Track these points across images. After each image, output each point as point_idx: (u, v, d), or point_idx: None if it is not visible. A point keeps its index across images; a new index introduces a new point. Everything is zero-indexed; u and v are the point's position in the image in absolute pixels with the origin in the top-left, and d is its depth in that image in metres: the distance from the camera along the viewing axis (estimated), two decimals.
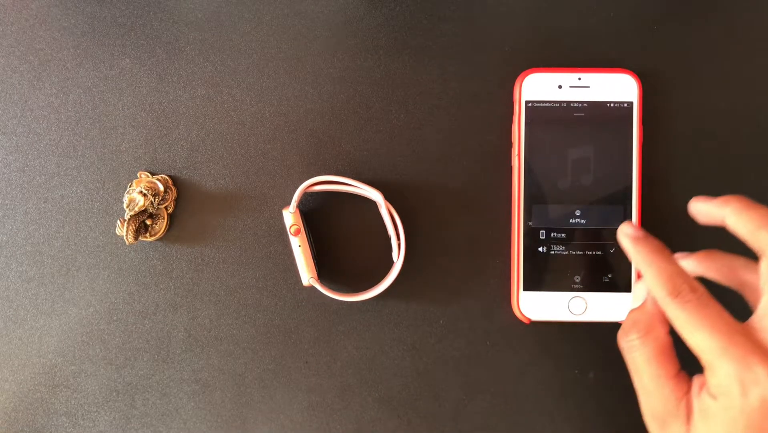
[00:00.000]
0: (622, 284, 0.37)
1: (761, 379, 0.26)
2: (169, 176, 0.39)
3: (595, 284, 0.37)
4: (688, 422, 0.28)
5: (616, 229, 0.37)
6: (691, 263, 0.33)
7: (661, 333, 0.30)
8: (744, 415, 0.26)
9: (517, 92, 0.38)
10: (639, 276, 0.36)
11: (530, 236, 0.37)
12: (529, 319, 0.38)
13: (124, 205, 0.38)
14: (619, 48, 0.39)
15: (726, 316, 0.28)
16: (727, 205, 0.30)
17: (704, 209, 0.31)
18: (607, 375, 0.39)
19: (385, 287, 0.38)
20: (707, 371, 0.28)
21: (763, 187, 0.39)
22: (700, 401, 0.28)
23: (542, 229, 0.37)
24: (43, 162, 0.40)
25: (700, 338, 0.27)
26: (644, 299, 0.31)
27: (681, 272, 0.29)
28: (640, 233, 0.31)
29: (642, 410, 0.30)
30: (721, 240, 0.39)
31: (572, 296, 0.37)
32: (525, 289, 0.37)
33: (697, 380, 0.29)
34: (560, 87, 0.38)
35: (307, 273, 0.37)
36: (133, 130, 0.40)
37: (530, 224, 0.37)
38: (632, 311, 0.31)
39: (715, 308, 0.28)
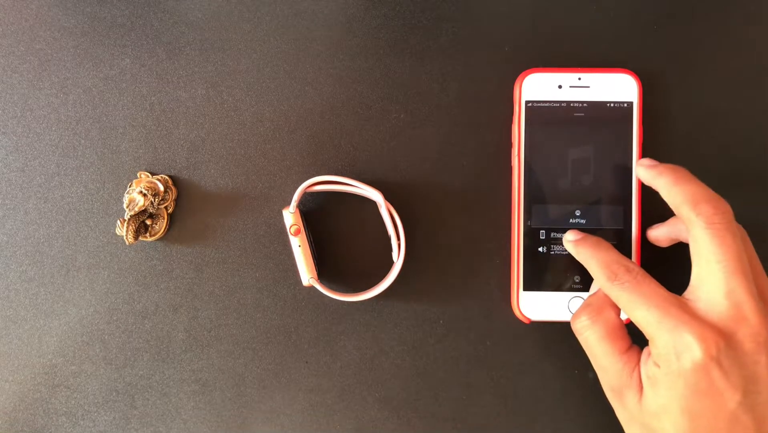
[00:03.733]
0: None
1: (691, 345, 0.28)
2: (169, 176, 0.39)
3: (595, 284, 0.37)
4: (640, 391, 0.31)
5: (617, 229, 0.37)
6: (664, 229, 0.36)
7: (611, 314, 0.32)
8: (681, 378, 0.29)
9: (517, 92, 0.38)
10: None
11: (530, 236, 0.37)
12: (529, 319, 0.38)
13: (124, 206, 0.38)
14: (619, 48, 0.39)
15: (661, 291, 0.30)
16: (661, 176, 0.33)
17: (645, 177, 0.34)
18: None
19: (385, 287, 0.38)
20: (650, 343, 0.30)
21: (762, 187, 0.39)
22: (647, 370, 0.30)
23: (542, 229, 0.37)
24: (43, 162, 0.40)
25: (639, 314, 0.30)
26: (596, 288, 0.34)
27: (617, 258, 0.32)
28: (580, 235, 0.35)
29: (602, 384, 0.33)
30: None
31: (572, 296, 0.37)
32: (525, 289, 0.37)
33: (645, 352, 0.32)
34: (560, 87, 0.38)
35: (307, 273, 0.37)
36: (133, 130, 0.40)
37: (530, 223, 0.37)
38: (586, 298, 0.34)
39: (651, 285, 0.31)
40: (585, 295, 0.37)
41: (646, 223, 0.38)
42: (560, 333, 0.39)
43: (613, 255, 0.33)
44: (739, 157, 0.39)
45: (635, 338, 0.32)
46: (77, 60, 0.40)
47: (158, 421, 0.40)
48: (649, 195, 0.39)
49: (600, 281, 0.32)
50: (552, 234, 0.37)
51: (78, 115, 0.40)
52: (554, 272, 0.37)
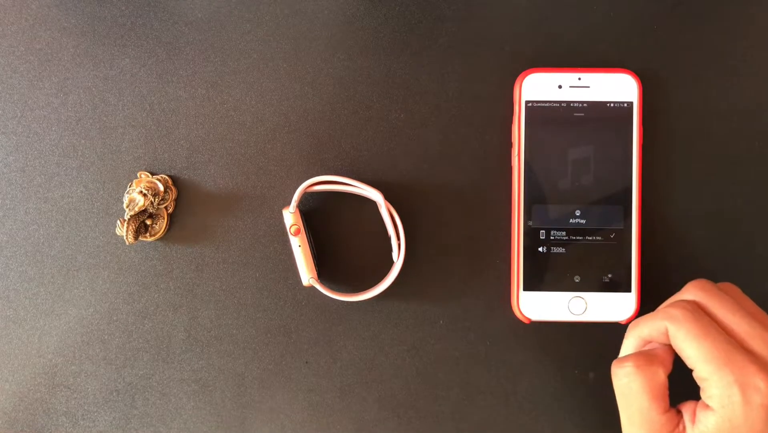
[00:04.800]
0: (622, 284, 0.37)
1: (761, 387, 0.27)
2: (169, 176, 0.39)
3: (595, 284, 0.37)
4: None
5: (617, 229, 0.37)
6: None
7: (660, 370, 0.30)
8: (747, 423, 0.27)
9: (517, 92, 0.38)
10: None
11: (530, 236, 0.37)
12: (529, 319, 0.38)
13: (124, 206, 0.38)
14: (619, 48, 0.39)
15: (717, 328, 0.29)
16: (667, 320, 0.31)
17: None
18: (607, 375, 0.39)
19: (385, 287, 0.38)
20: (706, 384, 0.28)
21: (762, 187, 0.39)
22: (697, 421, 0.28)
23: (542, 229, 0.37)
24: (43, 162, 0.40)
25: (699, 350, 0.28)
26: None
27: (679, 302, 0.30)
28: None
29: None
30: (722, 236, 0.39)
31: (572, 296, 0.37)
32: (525, 289, 0.37)
33: (689, 406, 0.30)
34: (560, 87, 0.38)
35: (307, 273, 0.37)
36: (133, 130, 0.40)
37: (530, 223, 0.37)
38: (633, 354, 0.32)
39: (711, 322, 0.29)
40: (585, 295, 0.37)
41: (646, 223, 0.38)
42: (560, 333, 0.39)
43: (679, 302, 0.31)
44: (738, 157, 0.39)
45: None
46: (77, 60, 0.40)
47: (158, 421, 0.40)
48: (649, 195, 0.39)
49: (661, 317, 0.30)
50: (552, 234, 0.37)
51: (78, 115, 0.40)
52: (554, 272, 0.37)
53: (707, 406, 0.28)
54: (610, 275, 0.37)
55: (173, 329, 0.40)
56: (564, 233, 0.37)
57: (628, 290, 0.37)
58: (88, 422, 0.40)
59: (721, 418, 0.27)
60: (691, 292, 0.31)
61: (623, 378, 0.31)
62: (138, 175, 0.39)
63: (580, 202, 0.37)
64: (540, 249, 0.37)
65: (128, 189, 0.39)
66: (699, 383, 0.29)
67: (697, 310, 0.30)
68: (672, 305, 0.31)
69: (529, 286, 0.37)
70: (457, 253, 0.39)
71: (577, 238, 0.37)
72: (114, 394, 0.40)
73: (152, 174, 0.39)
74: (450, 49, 0.39)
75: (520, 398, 0.39)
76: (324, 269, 0.40)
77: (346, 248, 0.40)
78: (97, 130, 0.40)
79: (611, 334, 0.39)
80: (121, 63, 0.40)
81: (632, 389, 0.30)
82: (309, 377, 0.40)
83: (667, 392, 0.30)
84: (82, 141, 0.40)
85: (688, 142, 0.39)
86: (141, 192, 0.38)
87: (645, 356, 0.31)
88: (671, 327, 0.30)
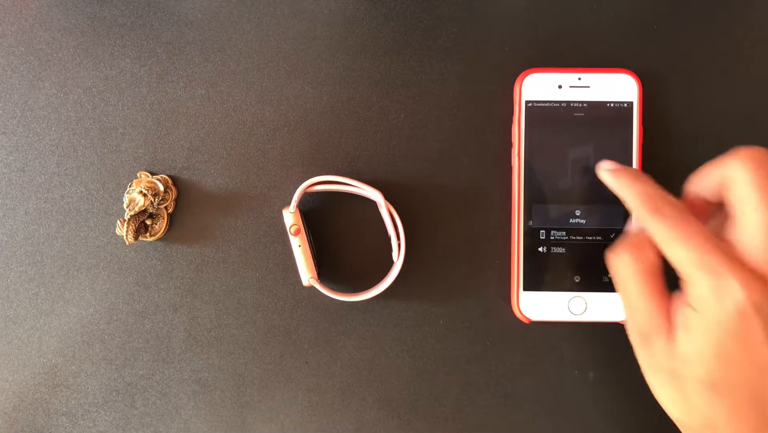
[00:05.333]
0: None
1: (734, 289, 0.27)
2: (169, 176, 0.39)
3: (595, 284, 0.37)
4: (670, 336, 0.29)
5: (617, 229, 0.37)
6: (705, 179, 0.33)
7: (651, 254, 0.31)
8: (721, 324, 0.27)
9: (517, 92, 0.38)
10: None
11: (530, 235, 0.37)
12: (529, 319, 0.38)
13: (124, 206, 0.38)
14: (619, 48, 0.39)
15: (704, 230, 0.28)
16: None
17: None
18: (607, 375, 0.39)
19: (385, 287, 0.38)
20: (686, 284, 0.29)
21: None
22: (681, 315, 0.29)
23: (542, 229, 0.37)
24: (43, 162, 0.40)
25: (678, 251, 0.28)
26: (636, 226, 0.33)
27: (659, 191, 0.31)
28: (618, 165, 0.34)
29: (627, 327, 0.31)
30: None
31: (572, 296, 0.37)
32: (525, 289, 0.37)
33: (677, 296, 0.30)
34: (560, 87, 0.38)
35: (307, 273, 0.37)
36: (133, 130, 0.40)
37: (530, 223, 0.37)
38: (626, 235, 0.32)
39: (694, 223, 0.29)
40: (585, 295, 0.37)
41: None
42: (560, 333, 0.39)
43: (654, 187, 0.31)
44: None
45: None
46: (77, 60, 0.40)
47: (158, 421, 0.40)
48: None
49: (639, 212, 0.30)
50: (552, 234, 0.37)
51: (78, 115, 0.40)
52: (554, 271, 0.37)
53: (690, 304, 0.29)
54: (610, 275, 0.37)
55: (173, 329, 0.40)
56: (564, 233, 0.37)
57: None
58: (88, 422, 0.40)
59: (704, 319, 0.28)
60: (738, 157, 0.30)
61: (619, 269, 0.31)
62: (138, 175, 0.39)
63: (580, 203, 0.37)
64: (540, 249, 0.37)
65: (128, 189, 0.39)
66: (682, 283, 0.29)
67: (678, 206, 0.30)
68: (653, 201, 0.30)
69: (529, 286, 0.37)
70: (457, 253, 0.39)
71: (577, 238, 0.37)
72: (114, 394, 0.40)
73: (152, 174, 0.39)
74: (450, 49, 0.39)
75: (520, 398, 0.39)
76: (324, 269, 0.40)
77: (346, 248, 0.40)
78: (97, 130, 0.40)
79: (611, 334, 0.39)
80: (121, 63, 0.40)
81: (629, 276, 0.31)
82: (309, 377, 0.40)
83: (661, 273, 0.30)
84: (82, 141, 0.40)
85: (688, 142, 0.39)
86: (141, 192, 0.38)
87: (635, 242, 0.31)
88: (652, 225, 0.30)
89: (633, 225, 0.34)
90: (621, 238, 0.32)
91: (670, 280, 0.30)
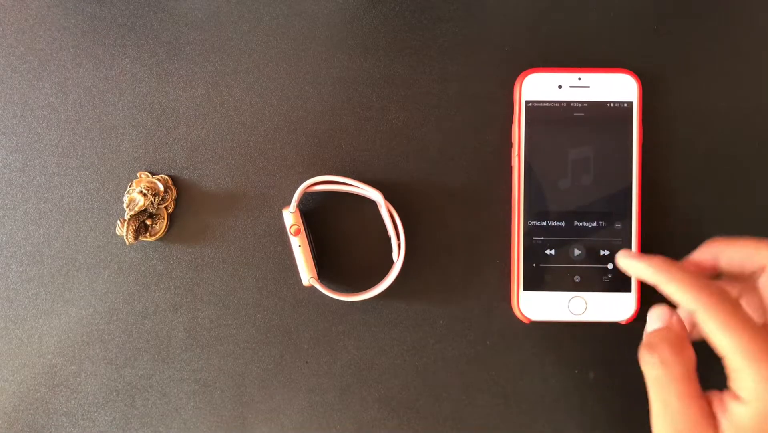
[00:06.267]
0: (622, 284, 0.37)
1: None
2: (169, 176, 0.39)
3: (595, 284, 0.37)
4: None
5: (616, 228, 0.37)
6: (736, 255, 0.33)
7: (691, 353, 0.30)
8: None
9: (517, 92, 0.38)
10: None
11: (530, 235, 0.37)
12: (529, 319, 0.38)
13: (124, 206, 0.38)
14: (619, 48, 0.39)
15: (751, 318, 0.28)
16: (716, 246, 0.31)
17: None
18: (607, 375, 0.39)
19: (385, 287, 0.38)
20: (735, 375, 0.28)
21: (762, 187, 0.39)
22: (728, 411, 0.28)
23: (542, 229, 0.37)
24: (43, 162, 0.40)
25: (729, 340, 0.27)
26: (664, 318, 0.31)
27: (702, 275, 0.30)
28: (638, 252, 0.32)
29: (659, 427, 0.30)
30: (722, 236, 0.39)
31: (572, 296, 0.37)
32: (525, 289, 0.37)
33: (716, 394, 0.29)
34: (560, 87, 0.38)
35: (307, 273, 0.37)
36: (133, 130, 0.40)
37: (530, 223, 0.37)
38: (657, 330, 0.31)
39: (742, 310, 0.28)
40: (585, 295, 0.37)
41: (646, 223, 0.38)
42: (560, 333, 0.39)
43: (695, 273, 0.30)
44: (739, 157, 0.39)
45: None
46: (77, 60, 0.40)
47: (158, 421, 0.40)
48: (649, 195, 0.39)
49: (688, 298, 0.29)
50: (552, 234, 0.37)
51: (78, 115, 0.40)
52: (554, 271, 0.37)
53: (737, 397, 0.28)
54: (610, 275, 0.37)
55: (173, 329, 0.40)
56: (564, 232, 0.37)
57: (628, 290, 0.37)
58: (88, 422, 0.40)
59: (756, 410, 0.27)
60: None
61: (657, 370, 0.30)
62: (138, 175, 0.39)
63: (580, 203, 0.37)
64: (540, 249, 0.37)
65: (128, 189, 0.39)
66: (729, 373, 0.28)
67: (728, 295, 0.29)
68: (703, 289, 0.29)
69: (529, 286, 0.37)
70: (457, 253, 0.39)
71: (578, 238, 0.37)
72: (114, 394, 0.40)
73: (152, 174, 0.39)
74: (450, 49, 0.39)
75: (520, 398, 0.39)
76: (324, 269, 0.40)
77: (346, 248, 0.40)
78: (97, 130, 0.40)
79: (611, 334, 0.39)
80: (121, 63, 0.40)
81: (668, 378, 0.29)
82: (309, 377, 0.40)
83: (696, 372, 0.30)
84: (82, 141, 0.40)
85: (688, 142, 0.39)
86: (141, 192, 0.38)
87: (675, 340, 0.30)
88: (701, 314, 0.29)
89: (658, 314, 0.32)
90: (651, 330, 0.31)
91: None
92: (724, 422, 0.28)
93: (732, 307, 0.28)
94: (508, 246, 0.39)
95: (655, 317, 0.32)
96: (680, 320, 0.31)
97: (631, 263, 0.33)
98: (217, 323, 0.40)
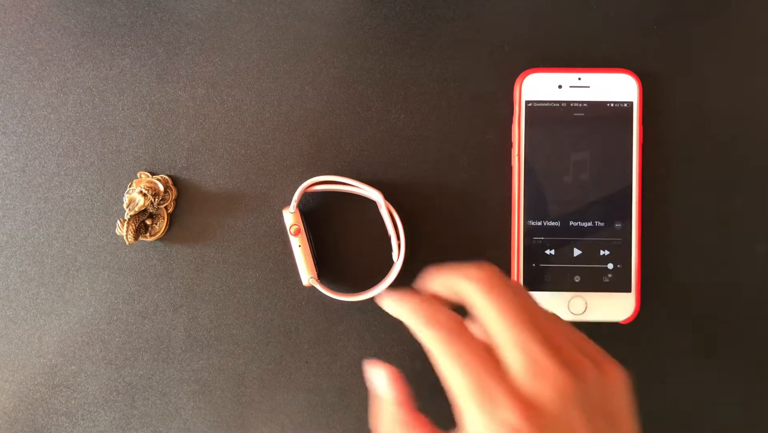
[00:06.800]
0: (622, 284, 0.37)
1: (508, 417, 0.25)
2: (169, 176, 0.39)
3: (595, 284, 0.37)
4: None
5: (616, 228, 0.37)
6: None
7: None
8: None
9: (517, 92, 0.38)
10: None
11: (530, 235, 0.37)
12: None
13: (124, 206, 0.38)
14: (619, 48, 0.39)
15: (482, 351, 0.26)
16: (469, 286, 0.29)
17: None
18: None
19: (385, 287, 0.38)
20: (462, 414, 0.26)
21: (762, 187, 0.39)
22: None
23: (542, 229, 0.37)
24: (43, 162, 0.40)
25: (456, 379, 0.26)
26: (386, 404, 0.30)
27: (438, 302, 0.29)
28: (395, 295, 0.30)
29: None
30: (722, 236, 0.39)
31: (572, 296, 0.37)
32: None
33: None
34: (560, 87, 0.38)
35: (307, 273, 0.37)
36: (133, 130, 0.40)
37: (530, 223, 0.37)
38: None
39: (473, 343, 0.27)
40: (585, 295, 0.37)
41: (646, 223, 0.38)
42: None
43: (432, 300, 0.29)
44: (739, 157, 0.39)
45: None
46: (77, 60, 0.40)
47: (158, 421, 0.40)
48: (649, 195, 0.39)
49: (415, 322, 0.29)
50: (552, 234, 0.37)
51: (78, 115, 0.40)
52: (554, 271, 0.37)
53: None
54: (610, 275, 0.37)
55: (173, 329, 0.40)
56: (564, 232, 0.37)
57: (628, 290, 0.37)
58: (88, 422, 0.40)
59: None
60: (471, 279, 0.29)
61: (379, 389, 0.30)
62: (138, 175, 0.39)
63: (580, 203, 0.37)
64: (540, 249, 0.37)
65: (128, 189, 0.39)
66: (456, 412, 0.27)
67: (459, 327, 0.28)
68: (435, 316, 0.28)
69: (529, 286, 0.37)
70: (457, 253, 0.39)
71: (577, 238, 0.37)
72: (114, 394, 0.40)
73: (152, 174, 0.39)
74: (450, 49, 0.39)
75: None
76: (324, 269, 0.40)
77: (346, 248, 0.40)
78: (97, 130, 0.40)
79: (611, 334, 0.39)
80: (121, 63, 0.40)
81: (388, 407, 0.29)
82: (309, 377, 0.40)
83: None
84: (82, 141, 0.40)
85: (688, 142, 0.39)
86: (141, 192, 0.38)
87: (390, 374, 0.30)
88: (433, 348, 0.28)
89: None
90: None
91: None
92: None
93: (460, 347, 0.27)
94: (508, 246, 0.39)
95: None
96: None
97: (388, 304, 0.31)
98: (217, 323, 0.40)
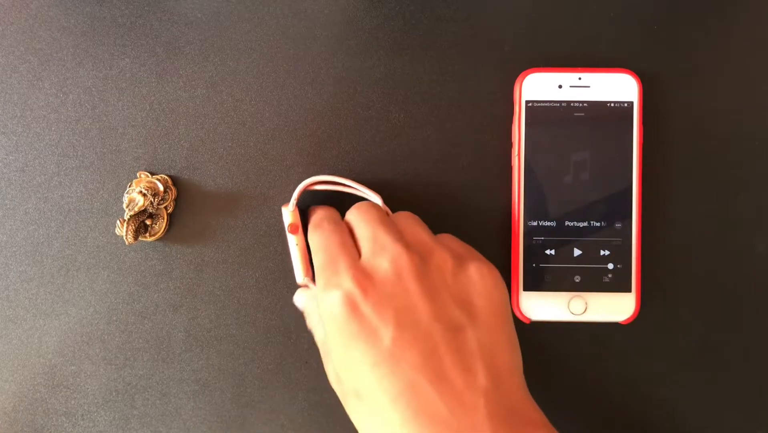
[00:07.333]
0: (622, 284, 0.37)
1: (346, 287, 0.31)
2: (169, 176, 0.39)
3: (595, 284, 0.37)
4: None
5: (616, 228, 0.37)
6: None
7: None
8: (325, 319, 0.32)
9: (517, 92, 0.38)
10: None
11: (530, 235, 0.37)
12: (529, 319, 0.38)
13: (124, 206, 0.38)
14: (619, 48, 0.39)
15: (344, 240, 0.33)
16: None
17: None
18: (608, 374, 0.39)
19: None
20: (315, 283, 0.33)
21: (762, 187, 0.39)
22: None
23: (542, 229, 0.37)
24: (43, 162, 0.40)
25: (315, 255, 0.34)
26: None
27: (328, 211, 0.37)
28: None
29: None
30: (722, 236, 0.39)
31: (572, 296, 0.37)
32: (525, 289, 0.37)
33: None
34: (560, 87, 0.38)
35: (302, 272, 0.37)
36: (133, 130, 0.40)
37: (530, 223, 0.37)
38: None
39: (337, 233, 0.34)
40: (585, 295, 0.37)
41: (647, 222, 0.38)
42: (560, 333, 0.39)
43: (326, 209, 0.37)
44: (739, 157, 0.39)
45: None
46: (77, 60, 0.40)
47: (158, 421, 0.40)
48: (649, 195, 0.39)
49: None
50: (552, 234, 0.37)
51: (78, 115, 0.40)
52: (554, 271, 0.37)
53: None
54: (610, 275, 0.37)
55: (173, 329, 0.40)
56: (564, 232, 0.37)
57: (628, 290, 0.37)
58: (88, 422, 0.40)
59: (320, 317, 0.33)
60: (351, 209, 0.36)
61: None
62: (138, 175, 0.39)
63: (580, 203, 0.37)
64: (540, 249, 0.37)
65: (128, 189, 0.39)
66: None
67: (330, 224, 0.35)
68: (319, 222, 0.36)
69: (529, 286, 0.37)
70: None
71: (577, 238, 0.37)
72: (114, 394, 0.40)
73: (152, 174, 0.39)
74: (450, 49, 0.39)
75: None
76: None
77: None
78: (97, 130, 0.40)
79: (611, 334, 0.39)
80: (121, 63, 0.40)
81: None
82: (309, 377, 0.40)
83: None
84: (82, 141, 0.40)
85: (688, 142, 0.39)
86: (141, 192, 0.38)
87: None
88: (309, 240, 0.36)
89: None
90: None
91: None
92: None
93: (324, 234, 0.35)
94: (508, 246, 0.39)
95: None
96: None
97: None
98: (217, 323, 0.40)
